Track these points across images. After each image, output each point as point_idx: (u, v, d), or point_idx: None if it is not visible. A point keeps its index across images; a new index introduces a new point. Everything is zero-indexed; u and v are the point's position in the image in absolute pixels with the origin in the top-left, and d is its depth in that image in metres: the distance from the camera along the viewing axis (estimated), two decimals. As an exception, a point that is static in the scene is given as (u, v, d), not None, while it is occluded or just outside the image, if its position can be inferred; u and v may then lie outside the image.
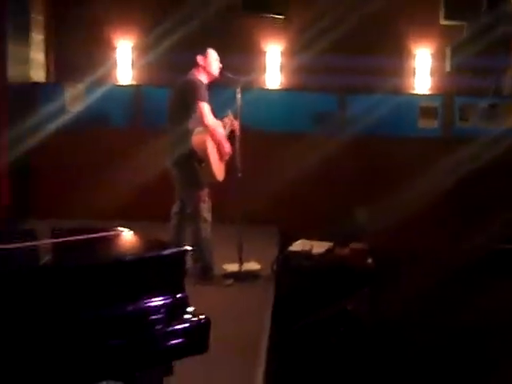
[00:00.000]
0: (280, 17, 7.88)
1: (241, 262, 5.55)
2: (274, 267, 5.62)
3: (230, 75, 5.53)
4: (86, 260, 2.49)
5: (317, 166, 7.38)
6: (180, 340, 2.53)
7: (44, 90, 7.91)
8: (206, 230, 5.36)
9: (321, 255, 5.58)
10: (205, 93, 5.32)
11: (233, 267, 5.60)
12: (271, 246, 6.64)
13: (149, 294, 2.48)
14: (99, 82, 7.86)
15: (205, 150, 5.26)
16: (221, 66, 5.48)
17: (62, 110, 7.75)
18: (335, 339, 4.60)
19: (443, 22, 7.92)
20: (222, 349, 2.81)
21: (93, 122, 7.85)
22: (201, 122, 5.26)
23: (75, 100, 7.91)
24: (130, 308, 2.41)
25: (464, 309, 5.58)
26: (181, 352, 2.56)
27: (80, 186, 7.52)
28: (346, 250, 5.52)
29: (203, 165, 5.28)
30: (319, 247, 5.72)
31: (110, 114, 8.06)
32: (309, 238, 6.08)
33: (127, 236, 2.90)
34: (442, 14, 7.89)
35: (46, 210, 7.10)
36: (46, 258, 2.61)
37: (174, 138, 5.37)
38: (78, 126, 7.73)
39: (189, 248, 2.82)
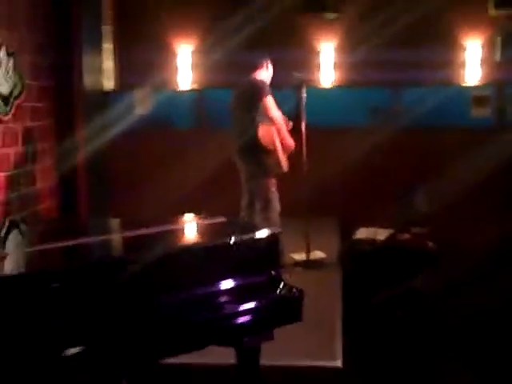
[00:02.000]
0: (333, 15, 8.18)
1: (308, 252, 5.92)
2: (340, 254, 5.97)
3: (297, 75, 5.86)
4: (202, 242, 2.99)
5: (374, 157, 7.70)
6: (280, 310, 2.96)
7: (114, 97, 8.41)
8: (277, 219, 5.64)
9: (383, 241, 5.90)
10: (269, 91, 5.59)
11: (300, 256, 5.97)
12: (333, 236, 6.98)
13: (253, 271, 2.92)
14: (162, 87, 8.33)
15: (271, 140, 5.55)
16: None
17: (130, 114, 8.25)
18: (402, 314, 4.95)
19: (492, 12, 8.11)
20: (304, 323, 3.17)
21: (159, 124, 8.33)
22: (266, 115, 5.51)
23: (142, 104, 8.41)
24: (239, 283, 2.85)
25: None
26: (280, 320, 2.98)
27: (149, 186, 7.99)
28: (407, 235, 5.82)
29: (270, 155, 5.57)
30: (382, 234, 6.05)
31: (174, 117, 8.51)
32: (369, 226, 6.39)
33: (229, 222, 3.33)
34: (490, 4, 8.09)
35: (117, 208, 7.51)
36: (158, 243, 3.01)
37: (239, 131, 5.64)
38: (146, 129, 8.25)
39: (280, 230, 3.18)
